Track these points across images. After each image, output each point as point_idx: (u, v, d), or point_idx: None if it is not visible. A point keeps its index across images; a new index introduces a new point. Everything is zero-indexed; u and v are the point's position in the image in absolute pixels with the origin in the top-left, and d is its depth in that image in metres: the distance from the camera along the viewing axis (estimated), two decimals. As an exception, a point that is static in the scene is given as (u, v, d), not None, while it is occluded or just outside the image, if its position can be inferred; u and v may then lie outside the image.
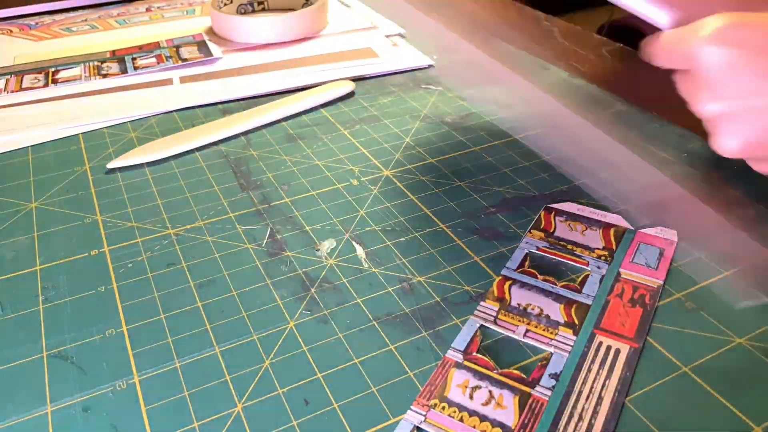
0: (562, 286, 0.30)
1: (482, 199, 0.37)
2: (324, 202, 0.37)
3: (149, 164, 0.42)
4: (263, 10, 0.68)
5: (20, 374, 0.27)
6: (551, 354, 0.27)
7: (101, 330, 0.29)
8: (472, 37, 0.62)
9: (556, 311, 0.29)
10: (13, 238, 0.35)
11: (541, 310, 0.29)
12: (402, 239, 0.34)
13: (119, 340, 0.28)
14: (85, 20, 0.69)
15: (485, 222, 0.35)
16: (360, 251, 0.33)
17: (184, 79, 0.53)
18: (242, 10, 0.67)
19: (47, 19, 0.70)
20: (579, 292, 0.30)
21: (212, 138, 0.44)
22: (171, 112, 0.49)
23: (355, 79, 0.53)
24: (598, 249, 0.33)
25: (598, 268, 0.31)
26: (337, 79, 0.52)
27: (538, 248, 0.33)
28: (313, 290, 0.31)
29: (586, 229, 0.34)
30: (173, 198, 0.38)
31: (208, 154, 0.43)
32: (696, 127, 0.44)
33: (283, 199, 0.38)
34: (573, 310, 0.29)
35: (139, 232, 0.35)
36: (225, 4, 0.65)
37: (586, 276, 0.31)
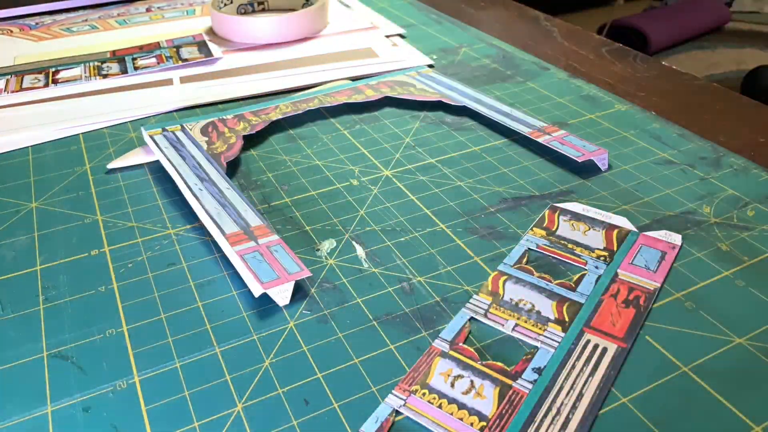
0: (557, 284, 0.30)
1: (482, 199, 0.37)
2: (324, 202, 0.37)
3: (149, 164, 0.42)
4: (263, 10, 0.68)
5: (20, 374, 0.27)
6: (537, 349, 0.27)
7: (101, 330, 0.29)
8: (471, 37, 0.62)
9: (547, 308, 0.29)
10: (13, 238, 0.35)
11: (533, 305, 0.29)
12: (402, 239, 0.34)
13: (119, 340, 0.28)
14: (85, 20, 0.69)
15: (485, 222, 0.35)
16: (360, 251, 0.33)
17: (184, 79, 0.53)
18: (242, 10, 0.67)
19: (47, 19, 0.70)
20: (573, 290, 0.30)
21: (212, 138, 0.44)
22: (171, 112, 0.49)
23: (355, 79, 0.53)
24: (598, 249, 0.33)
25: (596, 267, 0.31)
26: (337, 79, 0.52)
27: (538, 246, 0.33)
28: (313, 290, 0.31)
29: (589, 229, 0.34)
30: (173, 198, 0.38)
31: (208, 154, 0.43)
32: (696, 127, 0.44)
33: (283, 199, 0.38)
34: (565, 307, 0.29)
35: (139, 232, 0.35)
36: (225, 4, 0.65)
37: (583, 275, 0.31)
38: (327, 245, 0.34)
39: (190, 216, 0.36)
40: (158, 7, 0.72)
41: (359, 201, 0.38)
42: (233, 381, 0.26)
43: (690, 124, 0.44)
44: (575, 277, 0.31)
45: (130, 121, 0.47)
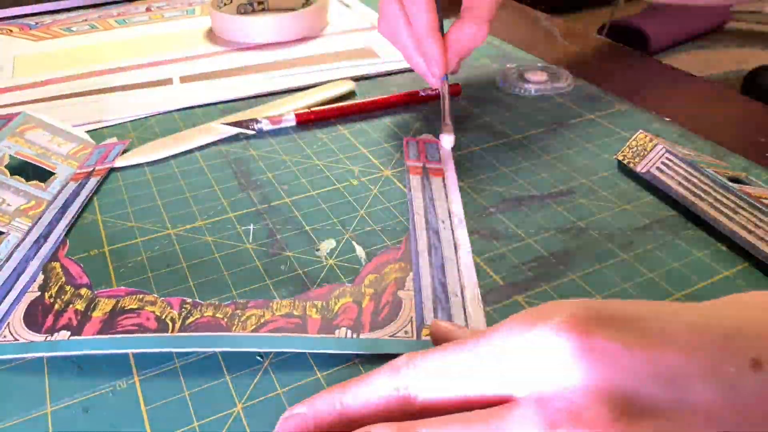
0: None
1: (482, 199, 0.37)
2: (324, 202, 0.37)
3: (149, 164, 0.42)
4: (263, 10, 0.68)
5: (20, 374, 0.27)
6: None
7: (101, 330, 0.29)
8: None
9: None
10: (13, 238, 0.35)
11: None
12: (402, 239, 0.34)
13: (119, 340, 0.28)
14: (85, 20, 0.69)
15: (485, 222, 0.35)
16: (360, 251, 0.33)
17: (184, 79, 0.53)
18: (242, 10, 0.67)
19: (47, 19, 0.70)
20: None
21: (212, 138, 0.44)
22: (171, 112, 0.49)
23: (356, 79, 0.53)
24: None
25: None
26: (337, 79, 0.52)
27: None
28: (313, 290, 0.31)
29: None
30: (173, 198, 0.38)
31: (208, 154, 0.43)
32: (696, 127, 0.44)
33: (283, 199, 0.38)
34: None
35: (139, 232, 0.35)
36: (225, 4, 0.65)
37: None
38: (327, 245, 0.34)
39: (191, 216, 0.36)
40: (158, 7, 0.72)
41: (359, 201, 0.38)
42: (233, 381, 0.26)
43: (690, 124, 0.44)
44: None
45: (130, 121, 0.47)
